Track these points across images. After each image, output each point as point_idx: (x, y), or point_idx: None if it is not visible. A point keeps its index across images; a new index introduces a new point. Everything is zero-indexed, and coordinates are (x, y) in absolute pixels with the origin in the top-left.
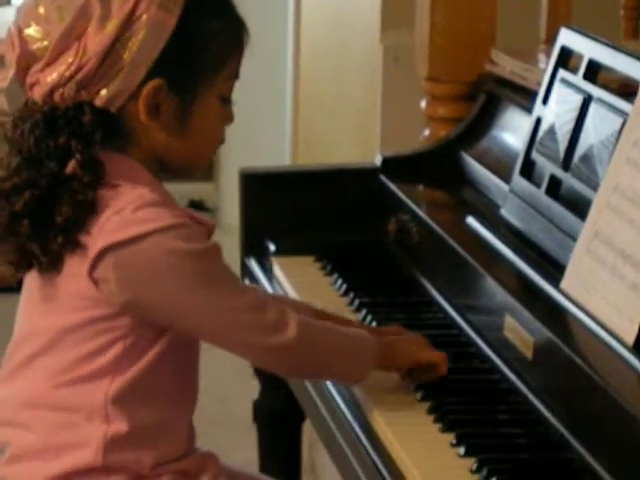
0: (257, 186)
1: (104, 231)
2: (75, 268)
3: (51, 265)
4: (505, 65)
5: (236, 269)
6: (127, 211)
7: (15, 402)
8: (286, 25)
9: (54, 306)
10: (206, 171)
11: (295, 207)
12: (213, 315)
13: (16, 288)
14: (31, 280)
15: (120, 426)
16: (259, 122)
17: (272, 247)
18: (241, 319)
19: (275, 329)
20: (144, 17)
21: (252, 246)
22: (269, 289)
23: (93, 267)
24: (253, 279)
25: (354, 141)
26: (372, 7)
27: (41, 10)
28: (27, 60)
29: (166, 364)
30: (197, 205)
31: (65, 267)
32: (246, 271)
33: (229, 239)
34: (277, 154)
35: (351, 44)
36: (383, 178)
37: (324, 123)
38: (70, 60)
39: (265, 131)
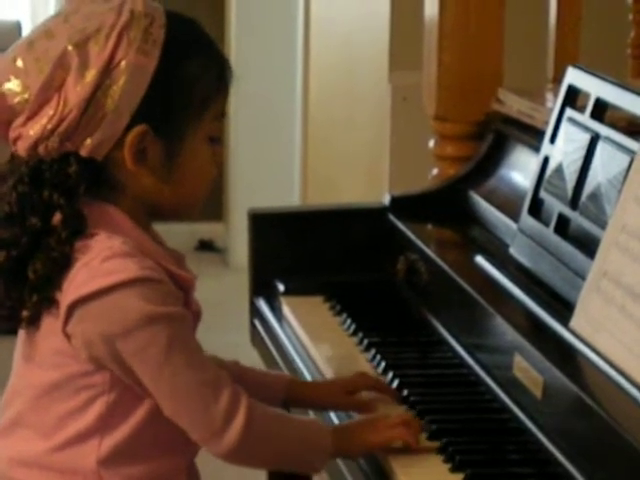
0: (266, 226)
1: (73, 285)
2: (51, 325)
3: (30, 322)
4: (512, 104)
5: (245, 309)
6: (95, 262)
7: (10, 460)
8: (295, 64)
9: (34, 363)
10: (215, 211)
11: (304, 247)
12: (164, 384)
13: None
14: (19, 336)
15: None
16: (268, 162)
17: (281, 287)
18: (191, 396)
19: (223, 418)
20: (123, 63)
21: (261, 286)
22: (278, 329)
23: (65, 323)
24: (262, 319)
25: (363, 181)
26: (380, 48)
27: (19, 63)
28: (8, 115)
29: (157, 422)
30: (206, 245)
31: (43, 324)
32: (255, 311)
33: (238, 279)
34: (286, 194)
35: (360, 84)
36: (392, 217)
37: (333, 163)
38: (51, 112)
39: (274, 171)
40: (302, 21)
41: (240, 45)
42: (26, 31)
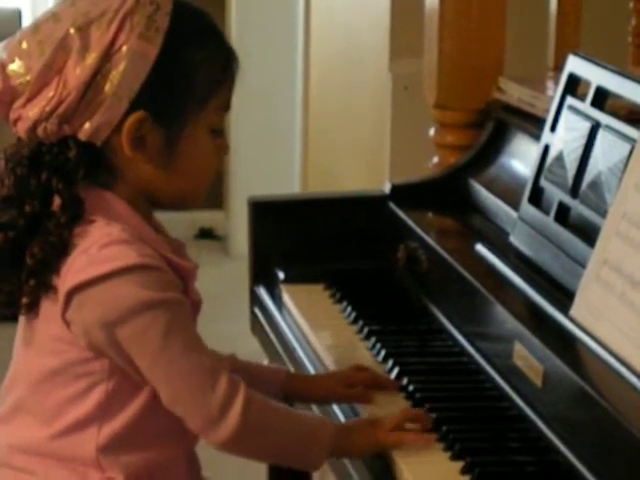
0: (266, 214)
1: (71, 271)
2: (50, 311)
3: (29, 308)
4: (513, 93)
5: (245, 297)
6: (93, 249)
7: (10, 447)
8: (295, 54)
9: (33, 350)
10: (216, 199)
11: (304, 235)
12: (161, 370)
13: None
14: (20, 322)
15: (114, 475)
16: (269, 151)
17: (281, 275)
18: (188, 383)
19: (220, 407)
20: (124, 48)
21: (261, 274)
22: (278, 317)
23: (64, 309)
24: (262, 307)
25: (363, 169)
26: (381, 36)
27: (24, 45)
28: (10, 96)
29: (156, 410)
30: (207, 233)
31: (41, 310)
32: (255, 299)
33: (238, 267)
34: (287, 183)
35: (360, 72)
36: (392, 206)
37: (334, 151)
38: (51, 94)
39: (275, 160)
40: (303, 10)
41: (241, 34)
42: (26, 19)
